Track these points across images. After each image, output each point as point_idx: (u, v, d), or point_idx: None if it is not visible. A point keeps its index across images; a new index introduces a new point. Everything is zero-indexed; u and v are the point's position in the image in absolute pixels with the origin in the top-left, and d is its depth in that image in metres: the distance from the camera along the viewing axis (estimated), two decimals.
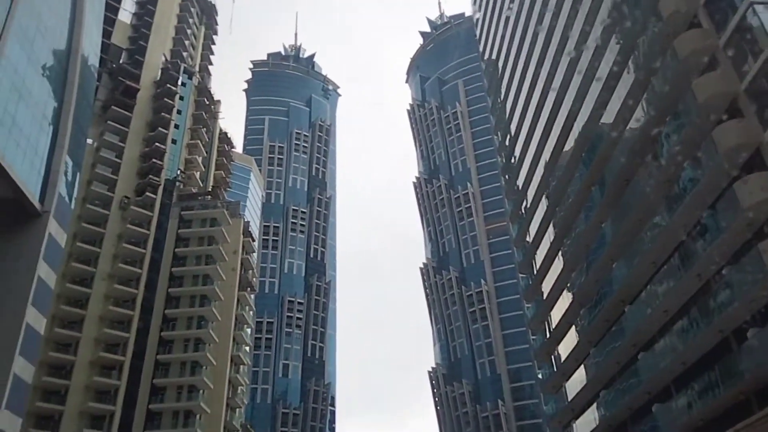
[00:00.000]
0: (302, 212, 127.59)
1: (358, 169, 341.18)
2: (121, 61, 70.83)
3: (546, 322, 46.26)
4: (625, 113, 32.17)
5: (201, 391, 57.32)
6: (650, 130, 29.06)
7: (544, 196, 46.73)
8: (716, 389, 24.78)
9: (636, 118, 31.16)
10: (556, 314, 43.75)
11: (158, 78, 73.35)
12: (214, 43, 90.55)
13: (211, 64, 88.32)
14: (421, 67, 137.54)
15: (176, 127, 71.90)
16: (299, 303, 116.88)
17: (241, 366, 67.52)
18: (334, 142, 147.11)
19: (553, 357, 45.27)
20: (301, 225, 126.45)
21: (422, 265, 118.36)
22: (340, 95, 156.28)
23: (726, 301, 23.82)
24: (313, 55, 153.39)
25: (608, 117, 34.50)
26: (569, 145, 41.26)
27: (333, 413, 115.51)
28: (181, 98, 74.13)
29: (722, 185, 23.46)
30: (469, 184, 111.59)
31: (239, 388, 65.95)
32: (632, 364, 32.28)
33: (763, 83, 21.55)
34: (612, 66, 33.73)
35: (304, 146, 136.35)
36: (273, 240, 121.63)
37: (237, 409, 65.22)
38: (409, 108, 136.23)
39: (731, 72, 22.97)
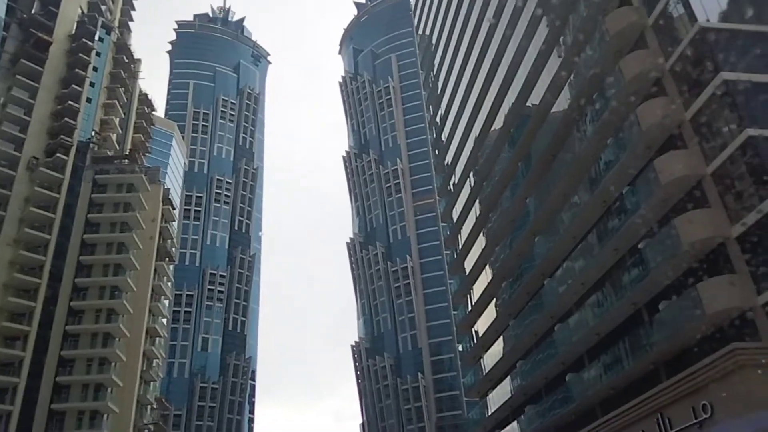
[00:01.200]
0: (227, 183, 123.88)
1: (287, 140, 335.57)
2: (32, 12, 65.42)
3: (468, 296, 47.07)
4: (553, 91, 32.69)
5: (113, 364, 54.84)
6: (577, 108, 29.63)
7: (472, 172, 47.21)
8: (627, 360, 25.85)
9: (564, 96, 31.70)
10: (479, 288, 44.58)
11: (73, 32, 68.40)
12: None
13: (131, 20, 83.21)
14: (354, 39, 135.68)
15: (92, 85, 67.41)
16: (221, 276, 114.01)
17: (157, 338, 65.12)
18: (262, 111, 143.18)
19: (473, 330, 46.19)
20: (226, 196, 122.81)
21: (349, 240, 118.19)
22: (270, 63, 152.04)
23: (640, 274, 24.75)
24: (242, 20, 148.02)
25: (537, 94, 34.99)
26: (498, 121, 41.70)
27: (253, 387, 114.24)
28: (98, 54, 69.52)
29: (643, 162, 24.19)
30: (398, 160, 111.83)
31: (154, 361, 63.62)
32: (549, 335, 33.28)
33: (687, 64, 22.20)
34: (542, 44, 34.13)
35: (231, 114, 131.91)
36: (195, 210, 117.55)
37: (152, 383, 62.96)
38: (341, 80, 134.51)
39: (658, 51, 23.56)
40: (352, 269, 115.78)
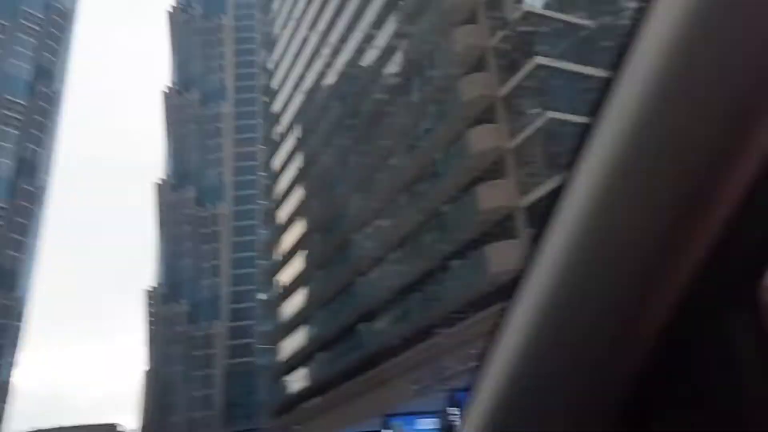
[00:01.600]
0: (21, 104, 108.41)
1: (101, 67, 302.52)
2: None
3: (277, 246, 47.07)
4: (386, 55, 33.55)
5: None
6: (406, 74, 30.78)
7: (299, 124, 46.87)
8: (417, 312, 27.91)
9: (395, 61, 32.70)
10: (289, 240, 44.76)
11: None
12: None
13: None
14: None
15: None
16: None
17: None
18: (71, 31, 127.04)
19: (278, 280, 46.40)
20: (17, 119, 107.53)
21: (160, 181, 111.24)
22: None
23: (440, 235, 26.72)
24: None
25: (371, 56, 35.63)
26: (331, 77, 41.77)
27: (18, 328, 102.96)
28: None
29: (459, 132, 25.92)
30: (222, 103, 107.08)
31: None
32: (350, 288, 34.59)
33: (509, 44, 24.16)
34: (381, 7, 34.77)
35: (36, 29, 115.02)
36: None
37: None
38: (170, 10, 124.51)
39: (486, 29, 25.28)
40: (160, 211, 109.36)
